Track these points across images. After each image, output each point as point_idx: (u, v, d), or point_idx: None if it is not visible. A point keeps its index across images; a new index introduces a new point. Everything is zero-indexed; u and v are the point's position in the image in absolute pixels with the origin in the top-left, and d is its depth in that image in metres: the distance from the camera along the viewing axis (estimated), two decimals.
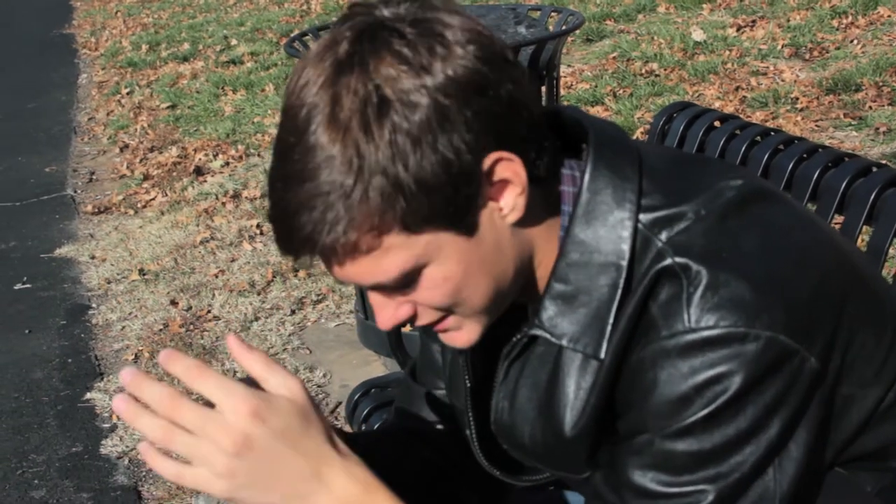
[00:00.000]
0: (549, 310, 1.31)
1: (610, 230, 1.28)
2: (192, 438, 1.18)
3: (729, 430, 1.21)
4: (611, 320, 1.27)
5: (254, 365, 1.24)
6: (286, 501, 1.22)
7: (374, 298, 1.30)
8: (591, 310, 1.28)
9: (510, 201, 1.25)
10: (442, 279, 1.25)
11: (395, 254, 1.21)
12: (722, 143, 2.49)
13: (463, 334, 1.35)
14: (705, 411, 1.20)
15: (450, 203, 1.20)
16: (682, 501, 1.23)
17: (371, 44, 1.18)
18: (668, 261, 1.24)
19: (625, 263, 1.27)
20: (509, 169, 1.22)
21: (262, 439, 1.18)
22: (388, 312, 1.30)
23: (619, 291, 1.27)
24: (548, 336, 1.32)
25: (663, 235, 1.26)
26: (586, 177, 1.30)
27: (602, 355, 1.28)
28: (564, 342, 1.30)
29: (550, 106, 1.38)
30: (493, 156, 1.21)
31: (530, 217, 1.28)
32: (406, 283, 1.25)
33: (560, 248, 1.30)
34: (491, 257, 1.27)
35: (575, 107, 1.40)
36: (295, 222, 1.19)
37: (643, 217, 1.28)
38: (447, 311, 1.31)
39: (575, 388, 1.31)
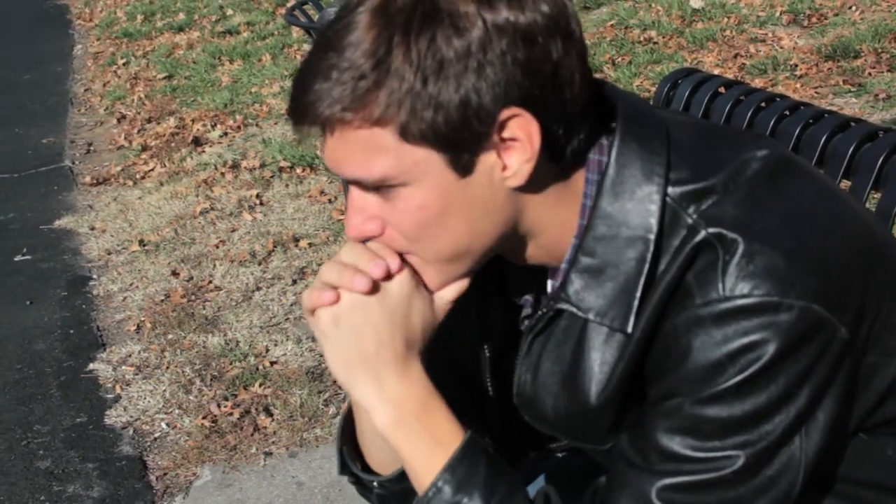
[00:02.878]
0: (576, 283, 1.31)
1: (637, 204, 1.27)
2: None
3: (760, 398, 1.21)
4: (638, 294, 1.26)
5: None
6: (355, 368, 1.34)
7: (352, 201, 1.30)
8: (619, 283, 1.28)
9: (515, 164, 1.24)
10: (417, 206, 1.25)
11: (383, 156, 1.22)
12: (727, 109, 2.48)
13: (421, 279, 1.35)
14: (737, 378, 1.20)
15: (452, 131, 1.20)
16: (708, 466, 1.23)
17: None
18: (703, 233, 1.23)
19: (653, 237, 1.26)
20: (523, 129, 1.21)
21: (354, 308, 1.33)
22: (358, 220, 1.30)
23: (647, 265, 1.26)
24: (574, 310, 1.31)
25: (692, 209, 1.25)
26: (614, 150, 1.29)
27: (629, 329, 1.27)
28: (591, 316, 1.30)
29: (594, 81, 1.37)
30: (512, 109, 1.20)
31: (536, 190, 1.28)
32: (384, 193, 1.26)
33: (587, 221, 1.30)
34: (476, 209, 1.26)
35: (603, 80, 1.39)
36: (308, 85, 1.21)
37: (671, 191, 1.27)
38: (411, 246, 1.30)
39: (600, 362, 1.31)
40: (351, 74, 1.18)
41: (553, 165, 1.27)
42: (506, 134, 1.22)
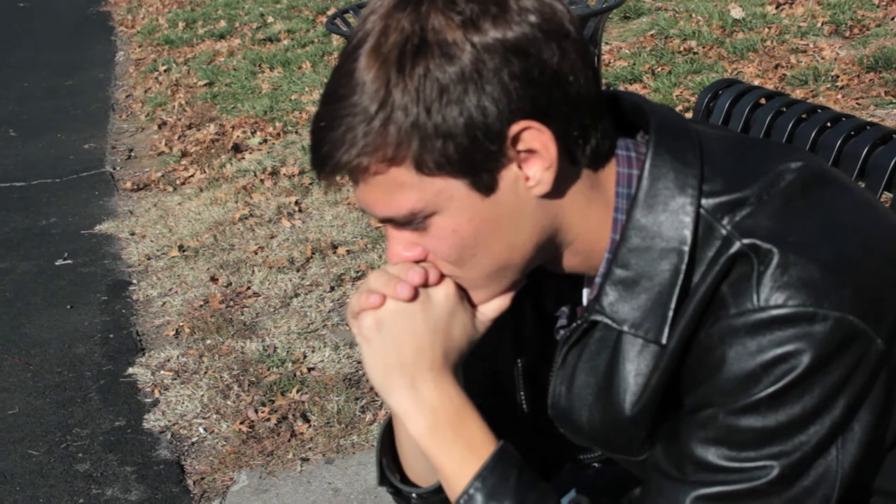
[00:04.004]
0: (610, 295, 1.31)
1: (671, 216, 1.28)
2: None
3: (795, 408, 1.21)
4: (672, 305, 1.27)
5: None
6: (393, 374, 1.35)
7: (391, 232, 1.33)
8: (653, 295, 1.28)
9: (537, 174, 1.25)
10: (451, 231, 1.28)
11: (406, 192, 1.24)
12: (768, 120, 2.47)
13: (466, 294, 1.38)
14: (772, 389, 1.21)
15: (466, 156, 1.22)
16: (743, 476, 1.23)
17: None
18: (738, 244, 1.23)
19: (687, 249, 1.27)
20: (537, 140, 1.23)
21: (397, 314, 1.34)
22: (399, 247, 1.33)
23: (681, 276, 1.27)
24: (609, 322, 1.32)
25: (726, 221, 1.26)
26: (647, 162, 1.30)
27: (664, 341, 1.28)
28: (625, 328, 1.31)
29: (610, 91, 1.38)
30: (521, 123, 1.22)
31: (563, 194, 1.29)
32: (416, 225, 1.28)
33: (621, 234, 1.31)
34: (507, 223, 1.28)
35: (634, 92, 1.40)
36: (321, 136, 1.25)
37: (705, 202, 1.28)
38: (455, 270, 1.33)
39: (635, 373, 1.32)
40: (359, 119, 1.21)
41: (576, 168, 1.29)
42: (521, 147, 1.23)
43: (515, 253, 1.31)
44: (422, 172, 1.23)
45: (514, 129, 1.21)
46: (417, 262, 1.33)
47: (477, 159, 1.22)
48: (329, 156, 1.24)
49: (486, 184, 1.24)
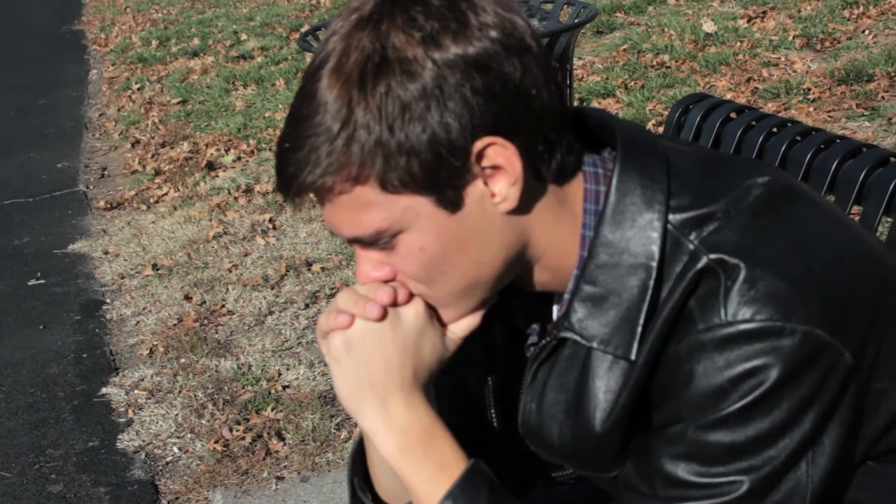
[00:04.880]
0: (579, 312, 1.31)
1: (639, 231, 1.28)
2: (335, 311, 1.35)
3: (763, 423, 1.21)
4: (641, 321, 1.27)
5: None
6: (363, 394, 1.34)
7: (359, 252, 1.33)
8: (621, 311, 1.28)
9: (503, 190, 1.25)
10: (418, 249, 1.27)
11: (372, 210, 1.24)
12: (738, 134, 2.48)
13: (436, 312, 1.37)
14: (740, 404, 1.20)
15: (430, 173, 1.21)
16: (713, 492, 1.23)
17: (392, 7, 1.21)
18: (704, 259, 1.23)
19: (654, 264, 1.26)
20: (501, 155, 1.23)
21: (366, 333, 1.33)
22: (368, 267, 1.33)
23: (649, 292, 1.26)
24: (578, 338, 1.32)
25: (693, 236, 1.26)
26: (614, 178, 1.30)
27: (633, 356, 1.27)
28: (595, 344, 1.30)
29: (576, 107, 1.38)
30: (485, 139, 1.21)
31: (530, 210, 1.29)
32: (384, 244, 1.28)
33: (589, 250, 1.31)
34: (475, 241, 1.27)
35: (602, 108, 1.40)
36: (286, 158, 1.24)
37: (672, 218, 1.28)
38: (424, 289, 1.32)
39: (604, 390, 1.31)
40: (322, 139, 1.21)
41: (542, 183, 1.29)
42: (486, 163, 1.23)
43: (483, 270, 1.30)
44: (386, 190, 1.22)
45: (479, 145, 1.21)
46: (386, 281, 1.33)
47: (441, 176, 1.22)
48: (294, 176, 1.23)
49: (451, 201, 1.24)
